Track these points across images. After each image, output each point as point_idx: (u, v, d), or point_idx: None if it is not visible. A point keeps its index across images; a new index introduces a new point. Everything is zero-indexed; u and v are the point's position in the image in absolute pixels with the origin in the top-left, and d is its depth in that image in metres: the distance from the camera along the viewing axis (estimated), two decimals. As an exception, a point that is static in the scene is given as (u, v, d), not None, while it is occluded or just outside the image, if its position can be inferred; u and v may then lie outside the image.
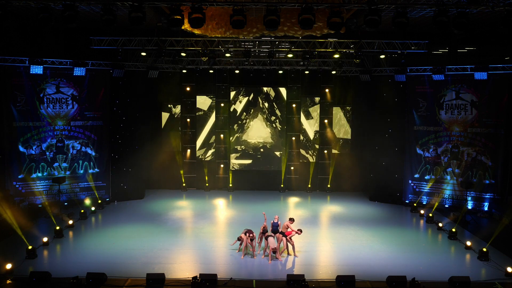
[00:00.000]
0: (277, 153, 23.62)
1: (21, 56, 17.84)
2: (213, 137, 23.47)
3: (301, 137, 23.51)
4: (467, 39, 20.57)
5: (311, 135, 23.56)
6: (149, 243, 14.95)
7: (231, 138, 23.49)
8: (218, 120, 23.35)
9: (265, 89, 23.32)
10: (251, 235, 13.52)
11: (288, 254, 13.77)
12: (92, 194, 20.10)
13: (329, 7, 11.50)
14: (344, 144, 23.68)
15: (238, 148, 23.63)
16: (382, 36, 18.57)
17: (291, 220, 13.86)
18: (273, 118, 23.50)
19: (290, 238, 13.66)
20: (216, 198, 22.12)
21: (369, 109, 21.85)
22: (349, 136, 23.62)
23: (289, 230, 13.66)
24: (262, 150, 23.65)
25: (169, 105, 23.36)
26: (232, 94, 23.31)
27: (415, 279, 11.32)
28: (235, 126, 23.50)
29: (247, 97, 23.42)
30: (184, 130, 23.43)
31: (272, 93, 23.39)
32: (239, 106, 23.47)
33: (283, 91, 23.30)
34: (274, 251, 13.34)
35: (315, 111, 23.39)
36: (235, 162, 23.67)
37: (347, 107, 23.41)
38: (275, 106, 23.45)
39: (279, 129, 23.55)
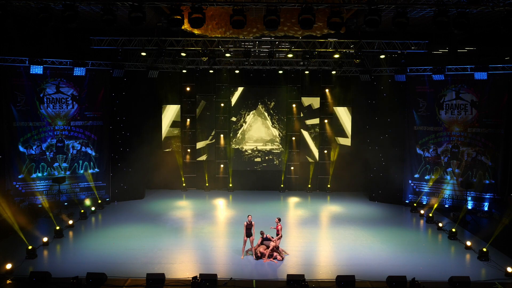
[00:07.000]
0: (277, 152, 23.64)
1: (21, 56, 17.85)
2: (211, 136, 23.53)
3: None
4: (467, 39, 20.55)
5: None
6: (149, 243, 14.95)
7: (231, 140, 23.54)
8: (218, 120, 23.36)
9: (265, 89, 23.30)
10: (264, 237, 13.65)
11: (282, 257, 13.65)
12: (92, 194, 20.11)
13: (329, 7, 11.51)
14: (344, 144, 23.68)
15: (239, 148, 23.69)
16: (382, 36, 18.55)
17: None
18: (272, 118, 23.49)
19: (276, 241, 13.52)
20: (216, 198, 22.11)
21: (369, 109, 21.84)
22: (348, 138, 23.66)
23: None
24: (262, 150, 23.66)
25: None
26: (232, 94, 23.32)
27: (415, 279, 11.33)
28: (235, 126, 23.53)
29: (246, 97, 23.40)
30: (184, 130, 23.44)
31: (272, 94, 23.37)
32: (239, 106, 23.47)
33: (283, 91, 23.30)
34: (273, 255, 13.41)
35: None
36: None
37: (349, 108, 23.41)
38: (275, 106, 23.44)
39: (279, 128, 23.54)
